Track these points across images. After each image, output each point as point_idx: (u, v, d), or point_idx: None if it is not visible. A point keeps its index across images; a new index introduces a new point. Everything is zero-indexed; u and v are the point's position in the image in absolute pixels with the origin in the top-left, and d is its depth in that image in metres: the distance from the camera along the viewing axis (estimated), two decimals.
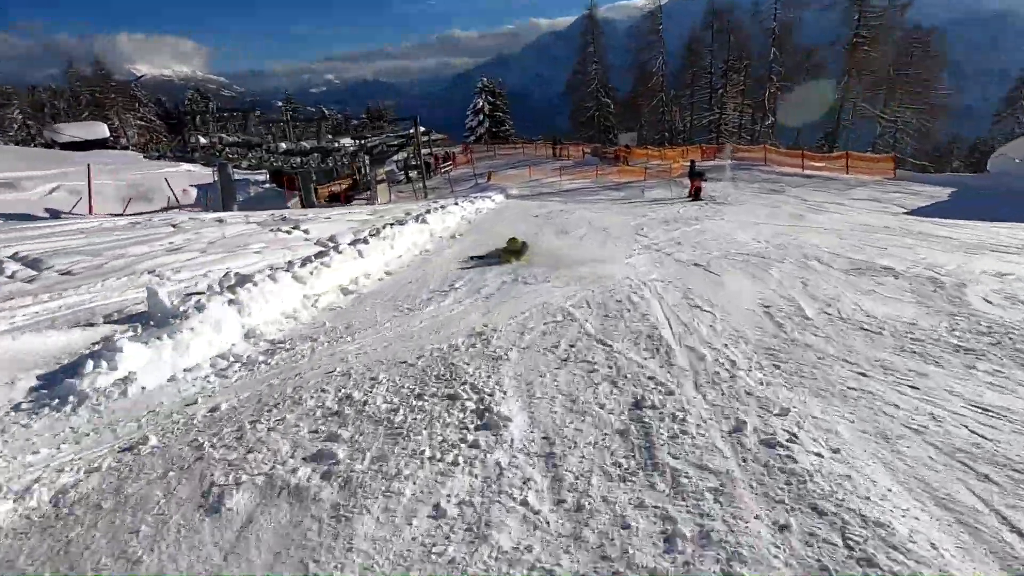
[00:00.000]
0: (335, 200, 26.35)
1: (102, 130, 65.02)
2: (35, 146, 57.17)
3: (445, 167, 39.86)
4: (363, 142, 29.94)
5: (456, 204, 17.09)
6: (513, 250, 9.66)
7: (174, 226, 11.04)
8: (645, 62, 49.23)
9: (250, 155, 24.51)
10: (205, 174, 35.52)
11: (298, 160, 26.19)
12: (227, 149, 23.59)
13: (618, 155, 35.08)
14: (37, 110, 74.07)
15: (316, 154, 26.87)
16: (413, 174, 32.08)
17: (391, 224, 11.40)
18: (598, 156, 37.48)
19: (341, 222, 12.55)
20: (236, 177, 34.63)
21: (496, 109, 56.85)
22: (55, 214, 24.74)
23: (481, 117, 56.58)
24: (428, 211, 13.94)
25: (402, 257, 10.23)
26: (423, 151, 33.67)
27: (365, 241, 9.22)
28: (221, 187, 25.48)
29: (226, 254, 8.15)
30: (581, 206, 21.02)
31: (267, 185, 32.48)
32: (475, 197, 21.13)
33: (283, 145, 27.33)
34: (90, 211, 19.87)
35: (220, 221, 11.67)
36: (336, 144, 26.90)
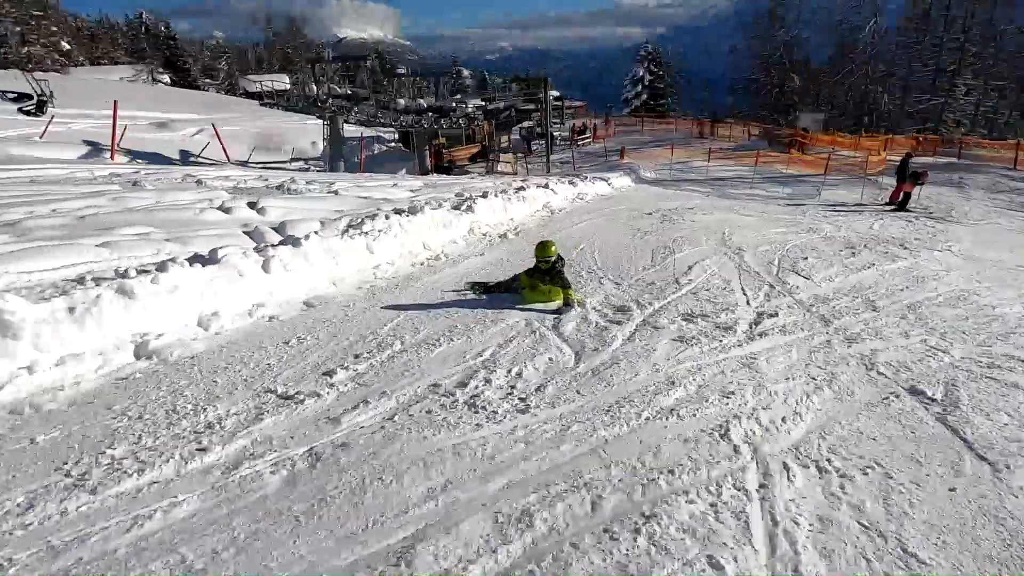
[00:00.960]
0: (440, 169, 23.22)
1: (284, 83, 69.83)
2: (239, 95, 62.83)
3: (583, 139, 35.21)
4: (485, 104, 26.42)
5: (546, 186, 12.76)
6: (539, 286, 5.29)
7: (134, 183, 8.27)
8: (850, 29, 39.20)
9: (356, 109, 22.11)
10: (349, 129, 34.42)
11: (409, 119, 23.39)
12: (331, 101, 21.39)
13: (793, 140, 27.59)
14: (258, 63, 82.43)
15: (431, 113, 23.88)
16: (539, 145, 27.99)
17: (397, 212, 7.53)
18: (768, 139, 30.11)
19: (350, 199, 8.97)
20: (365, 134, 33.30)
21: (657, 80, 50.05)
22: (185, 156, 24.71)
23: (639, 88, 50.20)
24: (484, 195, 9.85)
25: (380, 268, 6.33)
26: (556, 121, 29.36)
27: (294, 243, 5.45)
28: (329, 142, 23.64)
29: (45, 245, 4.88)
30: (724, 203, 15.42)
31: (392, 144, 30.45)
32: (588, 178, 16.53)
33: (402, 102, 24.74)
34: (113, 156, 18.47)
35: (199, 183, 8.70)
36: (452, 103, 23.62)
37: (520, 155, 30.37)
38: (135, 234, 5.46)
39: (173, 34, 70.10)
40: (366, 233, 6.50)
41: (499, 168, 27.32)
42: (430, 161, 25.05)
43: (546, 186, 12.73)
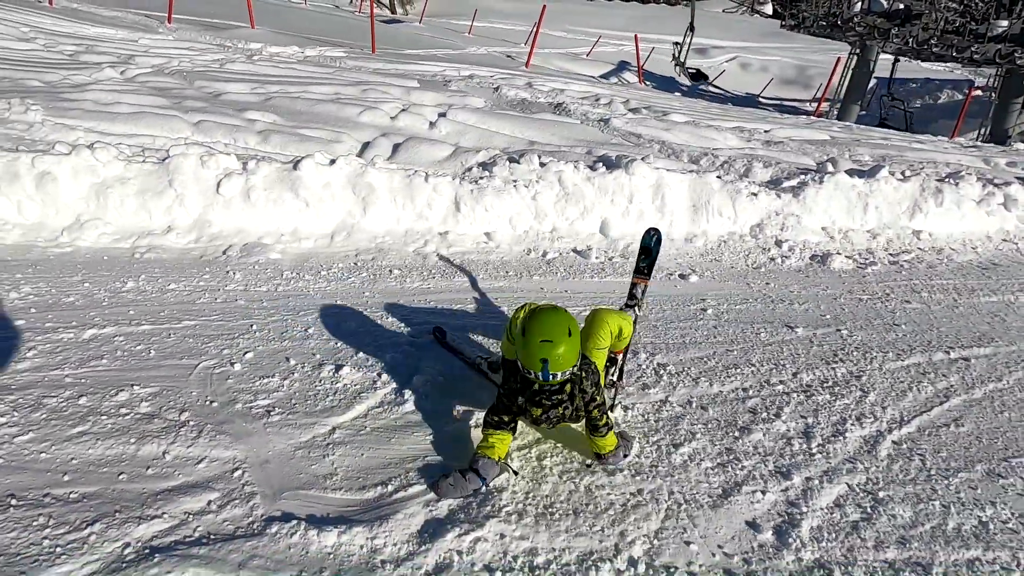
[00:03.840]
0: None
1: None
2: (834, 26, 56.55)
3: None
4: None
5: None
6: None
7: (446, 82, 7.70)
8: None
9: (896, 33, 15.02)
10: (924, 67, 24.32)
11: (993, 49, 14.75)
12: (856, 19, 15.23)
13: None
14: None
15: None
16: None
17: (596, 163, 4.21)
18: None
19: (593, 131, 5.76)
20: (942, 76, 23.49)
21: None
22: (694, 76, 23.04)
23: None
24: (877, 170, 4.67)
25: (461, 234, 3.66)
26: None
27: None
28: (849, 78, 17.59)
29: None
30: None
31: (984, 91, 19.99)
32: None
33: (1002, 24, 15.76)
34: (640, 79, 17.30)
35: (495, 91, 7.23)
36: None
37: None
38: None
39: None
40: (477, 181, 3.80)
41: None
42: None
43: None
